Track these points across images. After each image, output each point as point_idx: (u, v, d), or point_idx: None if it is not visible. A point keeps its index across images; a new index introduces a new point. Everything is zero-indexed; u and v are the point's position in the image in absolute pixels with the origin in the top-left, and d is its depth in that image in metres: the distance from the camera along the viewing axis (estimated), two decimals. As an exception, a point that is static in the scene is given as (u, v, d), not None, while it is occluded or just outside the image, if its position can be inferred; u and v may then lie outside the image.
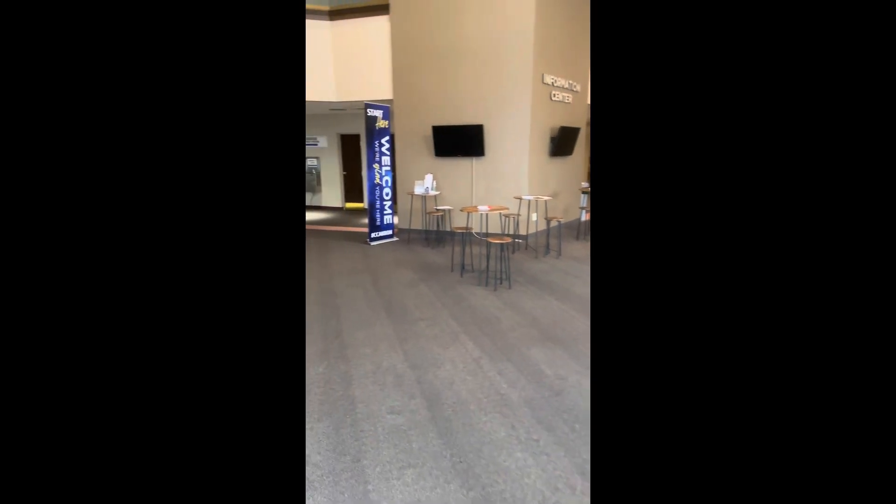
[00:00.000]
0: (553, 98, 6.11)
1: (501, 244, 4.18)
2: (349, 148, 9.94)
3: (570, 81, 6.47)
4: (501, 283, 4.28)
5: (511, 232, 5.93)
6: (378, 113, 6.06)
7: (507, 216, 5.86)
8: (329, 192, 10.29)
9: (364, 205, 9.89)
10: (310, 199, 10.40)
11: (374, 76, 6.68)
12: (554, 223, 6.23)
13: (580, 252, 5.64)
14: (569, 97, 6.51)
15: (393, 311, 3.54)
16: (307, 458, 1.81)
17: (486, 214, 6.07)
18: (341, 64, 6.79)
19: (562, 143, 6.29)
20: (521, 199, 5.79)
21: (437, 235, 6.43)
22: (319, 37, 6.63)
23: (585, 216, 7.68)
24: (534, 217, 6.23)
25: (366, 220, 7.25)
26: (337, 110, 8.78)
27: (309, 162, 10.25)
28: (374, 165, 6.17)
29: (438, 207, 6.33)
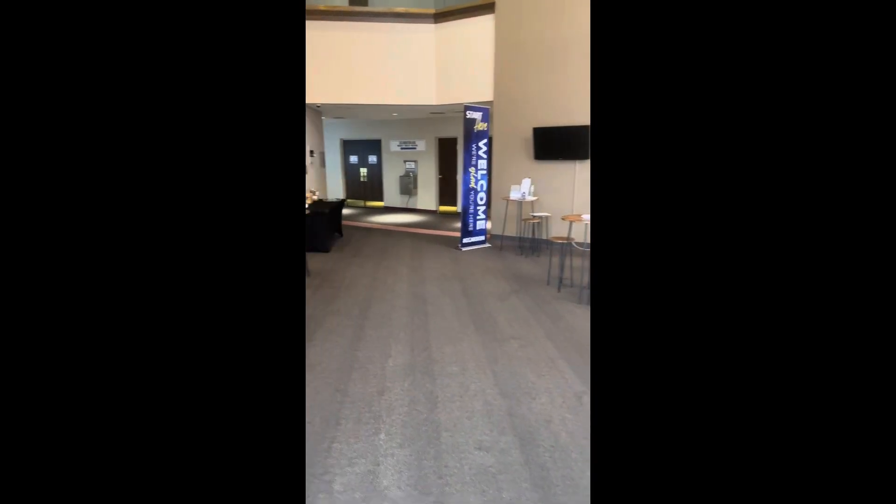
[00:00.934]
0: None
1: (608, 259, 3.70)
2: (446, 151, 9.98)
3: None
4: (605, 302, 3.80)
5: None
6: (477, 115, 5.90)
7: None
8: (424, 194, 10.44)
9: (457, 209, 9.85)
10: (405, 201, 10.66)
11: (474, 77, 6.53)
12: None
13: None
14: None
15: (482, 326, 3.31)
16: (386, 491, 1.64)
17: (589, 224, 5.55)
18: (443, 67, 6.76)
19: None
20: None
21: (531, 244, 6.07)
22: (424, 41, 6.67)
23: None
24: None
25: (458, 224, 7.14)
26: (436, 114, 8.85)
27: (407, 165, 10.51)
28: (469, 169, 6.01)
29: (535, 214, 5.97)
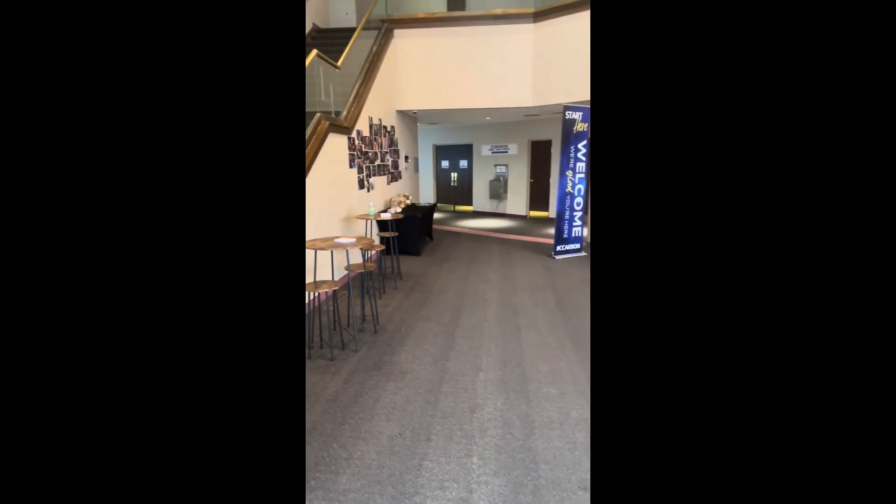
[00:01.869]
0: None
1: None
2: (538, 155, 9.64)
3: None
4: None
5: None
6: (577, 115, 5.55)
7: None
8: (514, 199, 10.20)
9: (549, 214, 9.45)
10: (495, 205, 10.52)
11: (575, 77, 6.17)
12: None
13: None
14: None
15: (581, 345, 3.03)
16: (479, 525, 1.51)
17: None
18: (541, 67, 6.49)
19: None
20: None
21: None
22: (522, 41, 6.48)
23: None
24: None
25: (550, 231, 6.80)
26: (531, 116, 8.58)
27: (497, 170, 10.36)
28: (566, 172, 5.68)
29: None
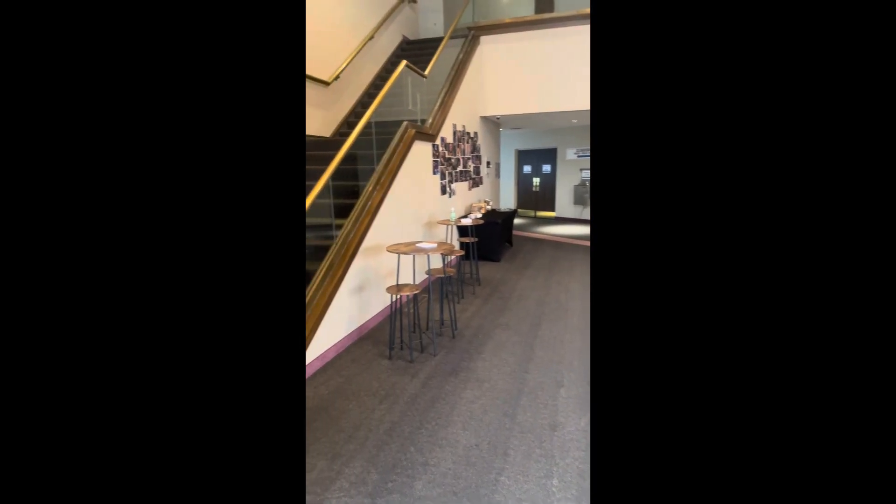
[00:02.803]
0: None
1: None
2: (629, 158, 9.04)
3: None
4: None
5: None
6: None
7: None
8: (600, 205, 9.68)
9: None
10: (580, 212, 10.08)
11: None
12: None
13: None
14: None
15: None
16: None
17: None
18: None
19: None
20: None
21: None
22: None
23: None
24: None
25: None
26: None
27: (583, 174, 9.93)
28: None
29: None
